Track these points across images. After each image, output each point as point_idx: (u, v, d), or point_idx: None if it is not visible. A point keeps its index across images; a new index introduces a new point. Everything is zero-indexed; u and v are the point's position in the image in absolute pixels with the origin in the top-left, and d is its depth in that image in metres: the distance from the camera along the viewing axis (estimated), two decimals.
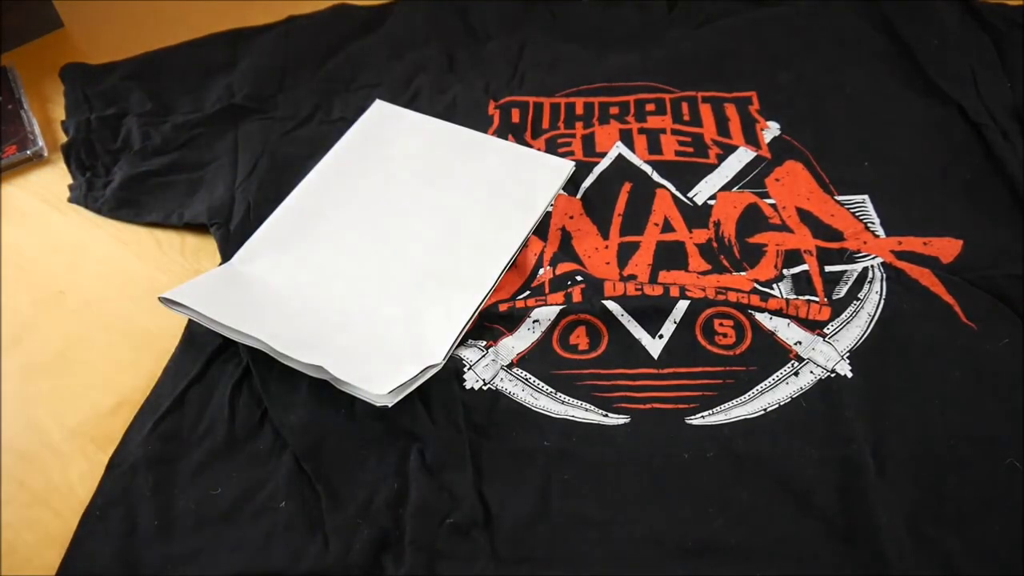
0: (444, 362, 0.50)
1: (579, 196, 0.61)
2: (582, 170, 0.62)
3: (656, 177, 0.62)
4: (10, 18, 0.79)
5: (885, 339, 0.50)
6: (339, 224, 0.59)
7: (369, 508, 0.45)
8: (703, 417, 0.48)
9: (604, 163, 0.63)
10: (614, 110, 0.67)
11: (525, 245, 0.57)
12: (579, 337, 0.52)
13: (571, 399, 0.49)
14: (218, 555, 0.44)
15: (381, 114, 0.67)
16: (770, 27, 0.73)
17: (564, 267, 0.55)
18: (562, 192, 0.61)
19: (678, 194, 0.60)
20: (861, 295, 0.53)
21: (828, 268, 0.55)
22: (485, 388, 0.50)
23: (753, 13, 0.75)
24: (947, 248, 0.55)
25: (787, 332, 0.51)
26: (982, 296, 0.52)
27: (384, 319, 0.53)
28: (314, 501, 0.45)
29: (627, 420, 0.48)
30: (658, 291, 0.53)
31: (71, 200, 0.65)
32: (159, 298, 0.53)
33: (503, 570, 0.42)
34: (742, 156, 0.63)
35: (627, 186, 0.61)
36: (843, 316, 0.52)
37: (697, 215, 0.59)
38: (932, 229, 0.56)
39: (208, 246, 0.61)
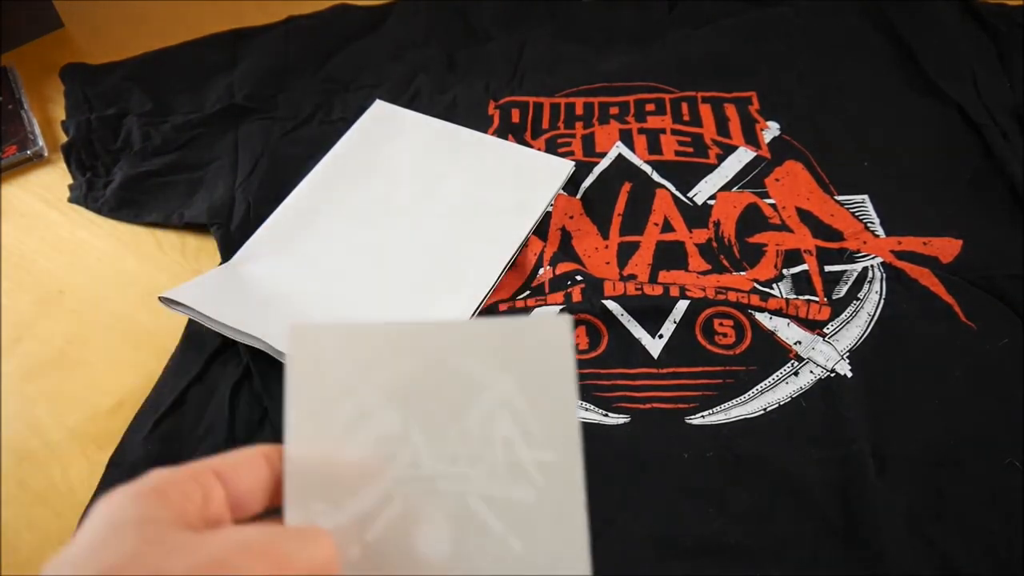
0: None
1: (579, 196, 0.61)
2: (582, 170, 0.62)
3: (656, 177, 0.62)
4: (10, 18, 0.79)
5: (885, 339, 0.50)
6: (339, 224, 0.59)
7: None
8: (703, 417, 0.48)
9: (604, 163, 0.63)
10: (614, 110, 0.67)
11: (525, 245, 0.57)
12: (579, 337, 0.52)
13: None
14: None
15: (381, 114, 0.67)
16: (770, 27, 0.73)
17: (564, 267, 0.55)
18: (562, 192, 0.61)
19: (678, 194, 0.60)
20: (861, 295, 0.53)
21: (828, 268, 0.55)
22: None
23: (753, 13, 0.75)
24: (947, 248, 0.55)
25: (787, 332, 0.51)
26: (982, 296, 0.52)
27: (384, 319, 0.53)
28: None
29: (627, 420, 0.48)
30: (658, 291, 0.53)
31: (71, 200, 0.65)
32: (159, 298, 0.53)
33: None
34: (742, 156, 0.63)
35: (627, 186, 0.61)
36: (843, 316, 0.52)
37: (697, 215, 0.59)
38: (932, 229, 0.56)
39: (208, 246, 0.61)
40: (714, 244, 0.57)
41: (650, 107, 0.67)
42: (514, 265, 0.56)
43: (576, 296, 0.53)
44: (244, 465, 0.27)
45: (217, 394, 0.51)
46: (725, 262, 0.56)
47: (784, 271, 0.55)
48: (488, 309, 0.53)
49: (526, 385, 0.27)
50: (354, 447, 0.27)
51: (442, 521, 0.27)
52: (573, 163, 0.62)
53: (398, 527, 0.26)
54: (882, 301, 0.52)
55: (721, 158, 0.63)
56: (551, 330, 0.28)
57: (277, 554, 0.23)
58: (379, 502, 0.27)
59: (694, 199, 0.60)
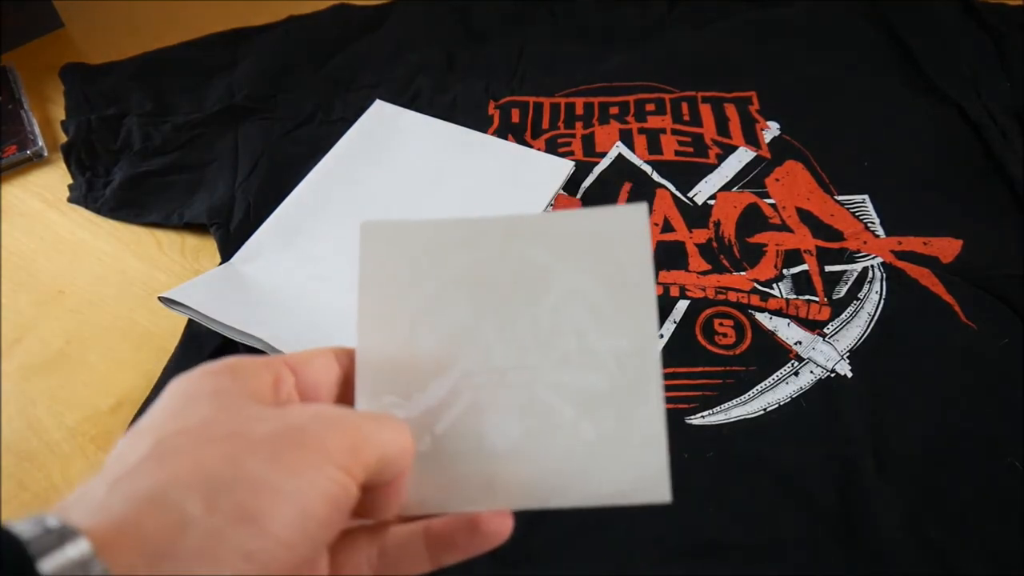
0: None
1: (579, 196, 0.61)
2: (582, 170, 0.62)
3: (656, 177, 0.62)
4: (10, 18, 0.79)
5: (885, 339, 0.50)
6: (339, 224, 0.59)
7: None
8: (703, 417, 0.48)
9: (604, 163, 0.63)
10: (614, 110, 0.67)
11: None
12: None
13: None
14: None
15: (381, 114, 0.67)
16: (770, 27, 0.73)
17: None
18: (562, 192, 0.61)
19: (678, 194, 0.60)
20: (861, 295, 0.53)
21: (828, 268, 0.55)
22: None
23: (753, 13, 0.75)
24: (947, 248, 0.55)
25: (787, 332, 0.51)
26: (982, 296, 0.52)
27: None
28: None
29: None
30: (658, 291, 0.53)
31: (71, 200, 0.65)
32: (159, 298, 0.53)
33: (503, 570, 0.42)
34: (742, 156, 0.63)
35: (627, 186, 0.61)
36: (843, 316, 0.52)
37: (697, 215, 0.59)
38: (932, 229, 0.56)
39: (208, 246, 0.61)
40: (714, 244, 0.57)
41: (650, 107, 0.67)
42: None
43: None
44: (315, 360, 0.27)
45: None
46: (725, 262, 0.56)
47: (784, 271, 0.55)
48: None
49: (601, 274, 0.27)
50: (424, 341, 0.27)
51: (512, 411, 0.26)
52: (573, 163, 0.62)
53: (468, 418, 0.26)
54: (882, 301, 0.52)
55: (721, 158, 0.63)
56: (627, 218, 0.27)
57: (354, 428, 0.23)
58: (449, 394, 0.26)
59: (694, 199, 0.60)
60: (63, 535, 0.18)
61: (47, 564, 0.17)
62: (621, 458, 0.26)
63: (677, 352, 0.51)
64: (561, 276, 0.27)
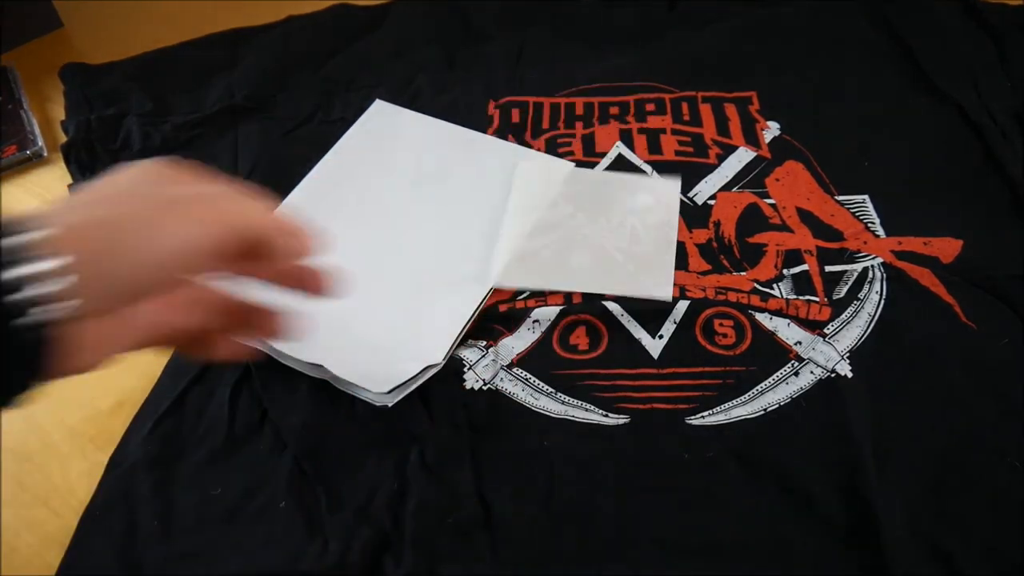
0: (444, 362, 0.50)
1: None
2: None
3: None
4: (10, 18, 0.79)
5: (885, 339, 0.50)
6: (339, 224, 0.59)
7: (369, 508, 0.45)
8: (703, 417, 0.48)
9: (604, 163, 0.63)
10: (614, 110, 0.67)
11: None
12: (579, 337, 0.52)
13: (571, 399, 0.49)
14: (218, 555, 0.44)
15: (381, 114, 0.67)
16: (770, 27, 0.73)
17: None
18: None
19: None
20: (861, 295, 0.53)
21: (828, 268, 0.55)
22: (485, 388, 0.50)
23: (753, 13, 0.75)
24: (947, 248, 0.55)
25: (787, 332, 0.51)
26: (982, 296, 0.52)
27: (384, 318, 0.53)
28: (314, 502, 0.45)
29: (627, 420, 0.48)
30: None
31: None
32: None
33: (504, 570, 0.42)
34: (742, 156, 0.63)
35: None
36: (843, 316, 0.52)
37: (697, 215, 0.59)
38: (932, 229, 0.56)
39: None
40: (714, 244, 0.57)
41: (650, 107, 0.67)
42: None
43: (576, 296, 0.53)
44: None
45: (216, 394, 0.51)
46: (725, 262, 0.56)
47: (784, 271, 0.55)
48: (488, 309, 0.53)
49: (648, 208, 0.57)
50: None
51: (585, 251, 0.53)
52: (573, 163, 0.62)
53: (561, 248, 0.53)
54: (882, 301, 0.52)
55: (721, 158, 0.63)
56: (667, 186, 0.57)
57: (219, 208, 0.33)
58: (552, 238, 0.53)
59: (694, 199, 0.60)
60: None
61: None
62: (648, 273, 0.51)
63: (677, 352, 0.51)
64: (625, 205, 0.56)
